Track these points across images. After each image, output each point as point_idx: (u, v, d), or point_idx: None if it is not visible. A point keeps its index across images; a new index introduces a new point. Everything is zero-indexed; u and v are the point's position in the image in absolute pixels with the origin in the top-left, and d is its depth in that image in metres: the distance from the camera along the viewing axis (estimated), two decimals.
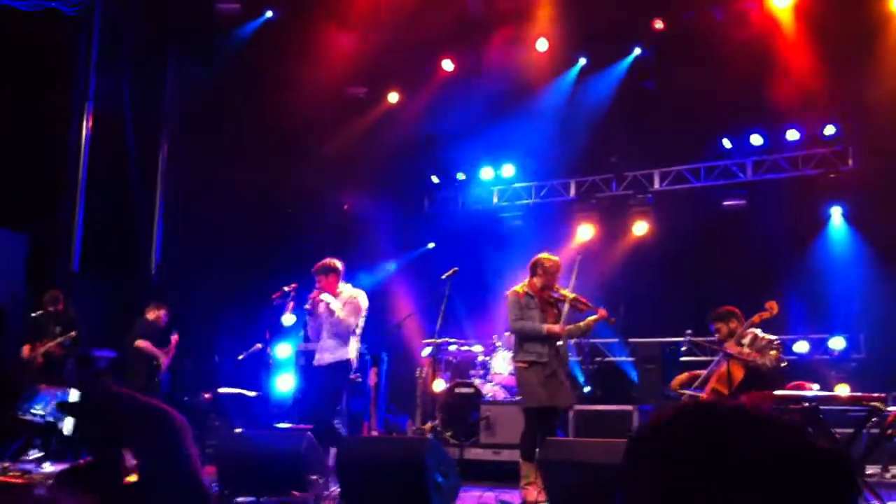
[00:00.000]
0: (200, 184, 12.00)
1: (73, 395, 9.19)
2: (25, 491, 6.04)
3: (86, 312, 10.61)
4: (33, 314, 9.51)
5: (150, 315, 9.60)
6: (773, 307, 7.37)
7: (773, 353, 7.31)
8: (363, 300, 7.93)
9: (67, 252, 11.40)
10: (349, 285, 8.05)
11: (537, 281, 7.52)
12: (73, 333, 9.28)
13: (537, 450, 7.06)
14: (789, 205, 11.73)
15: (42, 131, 11.10)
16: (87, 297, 10.78)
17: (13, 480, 7.35)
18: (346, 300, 7.85)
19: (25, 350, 9.38)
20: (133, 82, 11.82)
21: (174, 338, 9.61)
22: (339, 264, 8.00)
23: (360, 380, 8.71)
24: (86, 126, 11.68)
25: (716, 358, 7.66)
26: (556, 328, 7.30)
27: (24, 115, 10.76)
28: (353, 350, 7.82)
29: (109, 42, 11.77)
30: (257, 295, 9.23)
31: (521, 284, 7.61)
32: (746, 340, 7.43)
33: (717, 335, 7.65)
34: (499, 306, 8.26)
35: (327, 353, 7.87)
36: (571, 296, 7.44)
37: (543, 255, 7.72)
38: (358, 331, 7.88)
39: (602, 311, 7.48)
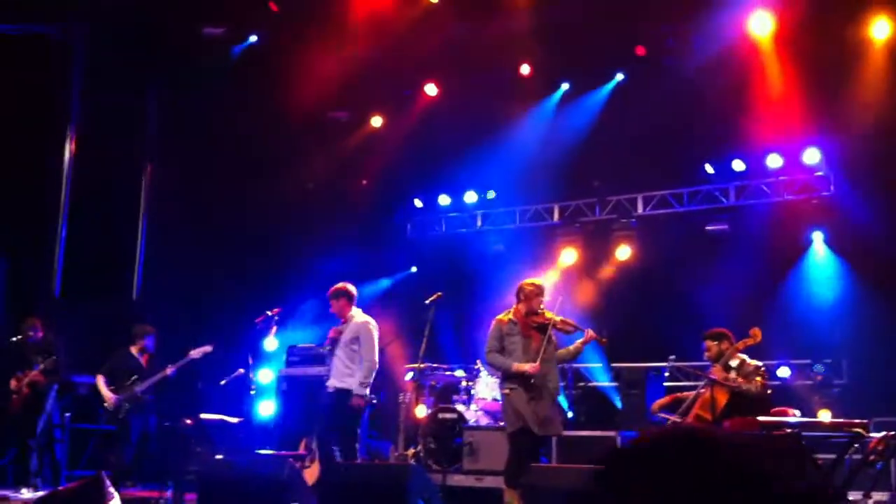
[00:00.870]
0: (183, 207, 11.96)
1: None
2: None
3: (68, 337, 10.52)
4: (13, 339, 9.41)
5: (133, 349, 9.49)
6: (756, 334, 7.39)
7: (758, 379, 7.33)
8: (375, 331, 8.02)
9: (49, 277, 11.31)
10: (359, 311, 8.14)
11: (521, 307, 7.54)
12: (52, 359, 9.19)
13: (512, 475, 7.09)
14: (772, 230, 11.79)
15: (24, 155, 11.04)
16: (69, 321, 10.69)
17: None
18: (357, 331, 7.94)
19: (13, 383, 9.27)
20: (116, 106, 11.78)
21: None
22: (351, 289, 8.14)
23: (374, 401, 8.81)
24: (68, 149, 11.63)
25: (700, 383, 7.67)
26: (526, 367, 7.25)
27: (4, 138, 10.71)
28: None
29: (92, 65, 11.73)
30: (240, 319, 9.19)
31: (506, 312, 7.63)
32: (734, 364, 7.44)
33: (706, 353, 7.65)
34: (482, 331, 8.25)
35: (334, 380, 7.92)
36: (557, 318, 7.45)
37: (526, 280, 7.75)
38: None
39: (590, 332, 7.49)
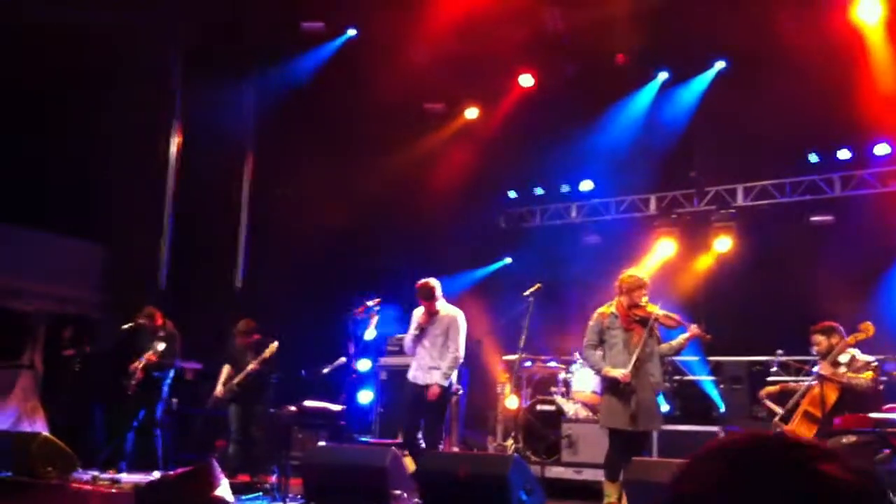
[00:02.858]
0: (283, 200, 12.20)
1: None
2: (116, 499, 6.18)
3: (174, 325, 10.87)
4: (126, 326, 9.71)
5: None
6: (868, 328, 7.17)
7: (868, 373, 7.12)
8: (464, 323, 8.09)
9: (155, 268, 11.67)
10: (445, 302, 8.22)
11: (623, 300, 7.44)
12: (164, 345, 9.45)
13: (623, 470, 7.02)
14: (878, 221, 11.42)
15: (131, 147, 11.41)
16: (173, 312, 11.03)
17: (103, 489, 7.53)
18: (448, 324, 8.04)
19: (131, 366, 9.52)
20: (218, 99, 12.07)
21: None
22: (435, 284, 8.20)
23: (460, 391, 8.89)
24: (174, 142, 11.97)
25: (807, 379, 7.49)
26: (617, 375, 7.14)
27: (114, 132, 11.06)
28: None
29: (195, 59, 12.05)
30: (340, 309, 9.33)
31: (607, 304, 7.54)
32: (844, 359, 7.24)
33: (815, 348, 7.46)
34: (579, 323, 8.20)
35: (421, 373, 8.02)
36: (661, 313, 7.31)
37: (627, 272, 7.65)
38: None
39: (694, 328, 7.34)
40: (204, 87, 11.96)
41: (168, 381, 9.57)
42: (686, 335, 7.35)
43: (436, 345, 8.09)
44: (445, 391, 7.99)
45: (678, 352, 7.66)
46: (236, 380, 9.14)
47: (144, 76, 11.65)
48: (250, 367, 9.07)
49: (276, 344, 9.14)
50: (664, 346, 7.44)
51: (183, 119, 12.11)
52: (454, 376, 8.12)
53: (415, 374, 8.14)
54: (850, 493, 1.05)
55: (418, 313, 8.26)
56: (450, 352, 8.03)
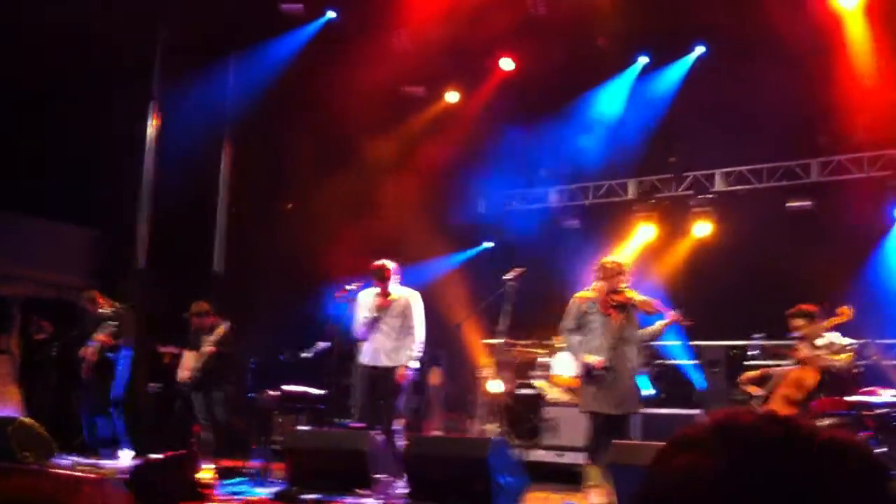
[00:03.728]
0: (263, 180, 12.13)
1: None
2: (98, 485, 6.15)
3: (151, 308, 10.80)
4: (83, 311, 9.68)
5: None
6: (845, 312, 7.23)
7: (845, 355, 7.18)
8: (421, 303, 8.07)
9: (133, 248, 11.59)
10: (398, 285, 8.18)
11: (602, 285, 7.47)
12: (111, 326, 9.42)
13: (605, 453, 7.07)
14: (856, 206, 11.51)
15: (109, 128, 11.28)
16: (152, 292, 10.95)
17: (85, 475, 7.47)
18: (405, 306, 7.97)
19: (82, 351, 9.47)
20: (197, 80, 11.97)
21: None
22: (391, 265, 8.13)
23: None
24: (152, 123, 11.86)
25: (785, 362, 7.55)
26: (592, 361, 7.19)
27: (91, 113, 10.93)
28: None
29: (174, 40, 11.93)
30: (321, 293, 9.30)
31: (586, 289, 7.56)
32: (822, 342, 7.30)
33: (794, 332, 7.52)
34: (558, 307, 8.20)
35: (383, 356, 7.98)
36: (640, 298, 7.35)
37: (606, 258, 7.67)
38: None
39: (672, 314, 7.39)
40: (182, 69, 11.85)
41: (124, 362, 9.51)
42: (664, 321, 7.41)
43: (395, 327, 8.03)
44: (410, 372, 7.96)
45: (655, 337, 7.72)
46: (197, 364, 9.15)
47: (122, 58, 11.51)
48: (206, 349, 9.09)
49: (224, 325, 9.16)
50: (642, 331, 7.48)
51: (161, 101, 11.97)
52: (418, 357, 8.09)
53: (375, 357, 8.05)
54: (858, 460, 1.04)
55: (368, 296, 8.17)
56: (412, 333, 8.00)
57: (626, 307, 7.30)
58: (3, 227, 11.35)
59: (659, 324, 7.45)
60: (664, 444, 1.18)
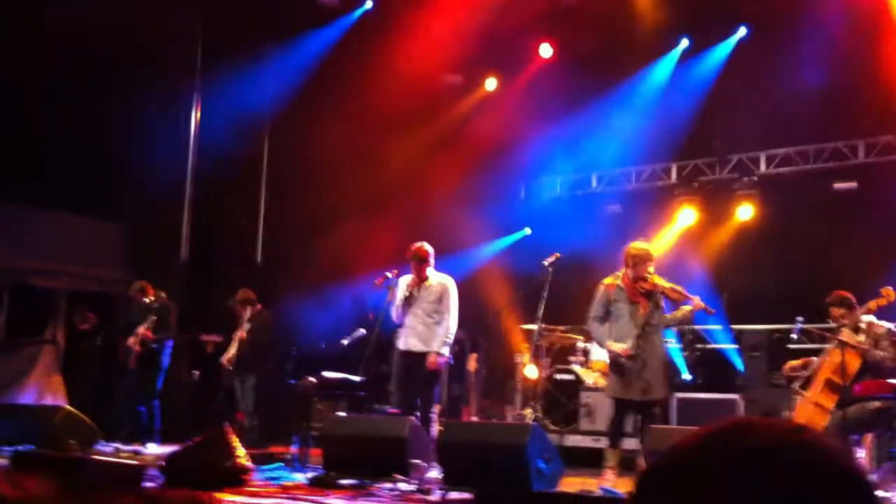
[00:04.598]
0: (302, 172, 12.22)
1: None
2: (138, 472, 6.26)
3: (194, 299, 10.96)
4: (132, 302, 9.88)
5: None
6: (889, 293, 7.09)
7: (890, 351, 7.01)
8: (455, 290, 8.06)
9: (177, 241, 11.76)
10: (434, 270, 8.19)
11: (629, 272, 7.42)
12: (153, 318, 9.58)
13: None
14: None
15: (151, 124, 11.46)
16: (195, 284, 11.12)
17: (125, 462, 7.63)
18: (440, 292, 7.98)
19: (129, 340, 9.65)
20: (237, 73, 12.09)
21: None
22: (430, 250, 8.13)
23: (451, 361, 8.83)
24: (193, 118, 12.01)
25: (828, 346, 7.42)
26: (618, 349, 7.18)
27: (135, 107, 11.11)
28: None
29: (214, 36, 12.06)
30: (360, 281, 9.36)
31: (613, 276, 7.53)
32: (863, 326, 7.16)
33: (832, 321, 7.40)
34: None
35: (417, 341, 7.99)
36: (666, 286, 7.29)
37: (633, 244, 7.61)
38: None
39: (697, 301, 7.31)
40: (223, 63, 11.98)
41: (167, 352, 9.68)
42: (689, 307, 7.34)
43: (429, 312, 8.04)
44: (443, 358, 7.96)
45: (682, 323, 7.68)
46: (233, 351, 9.32)
47: (164, 53, 11.67)
48: (240, 334, 9.23)
49: (257, 315, 9.25)
50: (667, 316, 7.42)
51: (202, 94, 12.12)
52: (450, 343, 8.09)
53: (408, 342, 8.07)
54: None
55: (406, 281, 8.19)
56: (445, 320, 7.99)
57: (653, 294, 7.26)
58: (47, 224, 11.61)
59: (685, 309, 7.38)
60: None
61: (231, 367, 9.49)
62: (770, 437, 1.02)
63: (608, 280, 7.50)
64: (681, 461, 1.05)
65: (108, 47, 10.76)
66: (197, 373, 10.03)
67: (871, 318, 7.20)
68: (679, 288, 7.33)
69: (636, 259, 7.33)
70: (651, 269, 7.32)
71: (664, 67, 13.01)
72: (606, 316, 7.39)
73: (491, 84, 13.71)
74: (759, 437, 1.02)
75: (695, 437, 1.07)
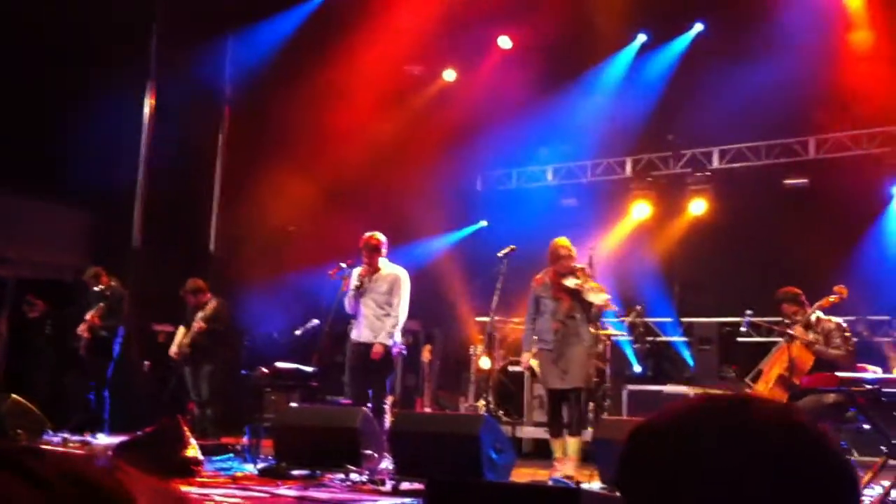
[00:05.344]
0: (258, 161, 12.12)
1: None
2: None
3: (146, 286, 10.82)
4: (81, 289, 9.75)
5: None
6: (842, 291, 7.18)
7: (849, 347, 7.11)
8: (408, 282, 8.05)
9: (128, 227, 11.61)
10: (387, 261, 8.17)
11: (552, 268, 7.52)
12: (101, 306, 9.47)
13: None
14: (852, 184, 11.45)
15: (104, 107, 11.27)
16: (147, 271, 10.98)
17: (74, 451, 7.54)
18: (392, 282, 7.97)
19: (80, 328, 9.52)
20: (192, 58, 11.95)
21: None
22: (383, 239, 8.11)
23: (405, 352, 8.81)
24: (147, 104, 11.85)
25: (779, 341, 7.52)
26: (522, 361, 7.68)
27: (84, 91, 10.92)
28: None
29: (170, 20, 11.90)
30: (316, 270, 9.31)
31: (544, 271, 7.62)
32: (813, 321, 7.26)
33: (785, 317, 7.47)
34: None
35: (368, 331, 7.97)
36: (587, 286, 7.32)
37: (556, 240, 7.68)
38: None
39: (610, 305, 7.46)
40: (179, 48, 11.83)
41: (118, 341, 9.56)
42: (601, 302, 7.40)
43: (380, 303, 8.01)
44: (389, 350, 7.95)
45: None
46: (186, 340, 9.24)
47: (117, 35, 11.49)
48: (196, 325, 9.16)
49: (216, 301, 9.21)
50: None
51: (157, 79, 11.96)
52: (398, 336, 8.07)
53: (360, 333, 8.04)
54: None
55: (359, 271, 8.16)
56: (393, 311, 7.98)
57: (577, 292, 7.31)
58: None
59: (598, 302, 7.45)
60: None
61: (179, 358, 9.39)
62: (763, 415, 1.03)
63: (538, 275, 7.58)
64: (677, 429, 1.06)
65: (63, 31, 10.58)
66: (147, 363, 9.92)
67: (819, 313, 7.31)
68: (602, 300, 7.35)
69: (555, 255, 7.41)
70: (574, 266, 7.38)
71: (621, 62, 13.10)
72: (537, 312, 7.48)
73: (450, 75, 13.71)
74: (752, 415, 1.03)
75: (691, 409, 1.08)
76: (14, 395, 8.54)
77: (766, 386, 7.24)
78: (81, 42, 10.88)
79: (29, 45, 10.59)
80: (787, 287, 7.55)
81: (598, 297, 7.31)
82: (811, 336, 7.19)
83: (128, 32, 11.71)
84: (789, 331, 7.30)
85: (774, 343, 7.90)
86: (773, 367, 7.30)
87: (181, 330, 9.48)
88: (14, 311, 11.08)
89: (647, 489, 1.04)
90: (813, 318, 7.28)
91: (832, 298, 7.25)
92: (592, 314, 7.50)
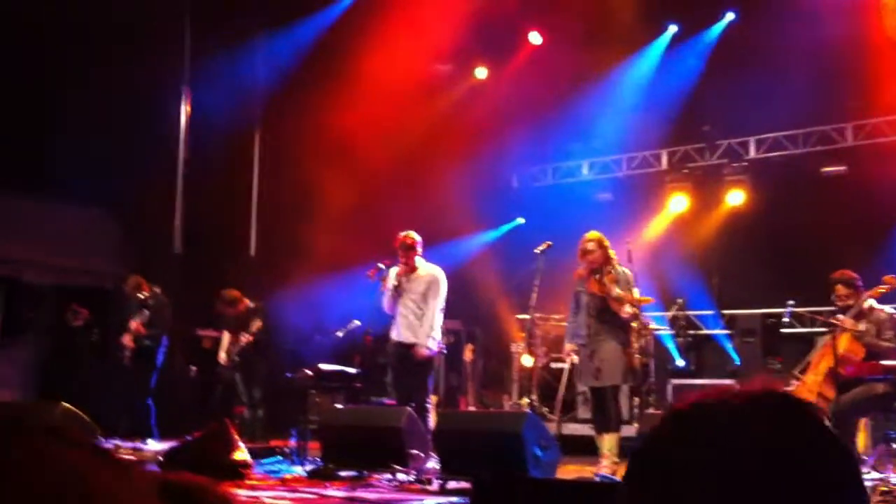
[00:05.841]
0: (294, 163, 12.22)
1: None
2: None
3: (188, 293, 10.95)
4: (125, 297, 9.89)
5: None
6: (892, 281, 7.04)
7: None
8: (445, 281, 8.08)
9: (169, 233, 11.74)
10: (424, 260, 8.20)
11: (586, 262, 7.50)
12: (146, 314, 9.58)
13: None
14: (892, 170, 11.30)
15: (143, 115, 11.42)
16: (189, 277, 11.10)
17: (125, 458, 7.65)
18: (429, 283, 8.00)
19: (123, 338, 9.65)
20: (227, 66, 12.06)
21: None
22: (418, 238, 8.13)
23: (445, 351, 8.83)
24: (183, 109, 11.98)
25: (824, 331, 7.42)
26: (566, 349, 7.60)
27: (123, 100, 11.06)
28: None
29: (204, 27, 12.03)
30: (355, 272, 9.38)
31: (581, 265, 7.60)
32: (865, 309, 7.13)
33: (836, 299, 7.33)
34: None
35: (407, 331, 8.01)
36: (614, 294, 7.27)
37: (587, 234, 7.64)
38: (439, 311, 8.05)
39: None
40: (213, 53, 11.95)
41: (161, 349, 9.66)
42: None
43: (418, 303, 8.02)
44: (431, 350, 7.99)
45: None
46: (235, 350, 9.34)
47: (154, 43, 11.63)
48: (243, 340, 9.27)
49: (258, 320, 9.32)
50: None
51: (192, 86, 12.10)
52: (438, 334, 8.09)
53: (399, 334, 8.07)
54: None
55: (396, 271, 8.18)
56: (430, 310, 7.99)
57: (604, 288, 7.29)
58: (36, 214, 11.54)
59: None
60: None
61: (229, 365, 9.51)
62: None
63: (578, 269, 7.57)
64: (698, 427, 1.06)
65: (100, 37, 10.73)
66: (194, 369, 10.04)
67: (873, 302, 7.18)
68: (625, 307, 7.28)
69: (582, 251, 7.41)
70: (605, 260, 7.32)
71: (653, 54, 13.04)
72: (577, 306, 7.49)
73: (481, 73, 13.72)
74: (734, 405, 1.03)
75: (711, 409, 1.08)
76: (64, 403, 8.67)
77: (815, 378, 7.15)
78: (120, 49, 11.03)
79: (69, 52, 10.75)
80: (843, 270, 7.41)
81: (622, 308, 7.25)
82: (862, 326, 7.06)
83: (164, 37, 11.84)
84: (834, 320, 7.21)
85: (819, 333, 7.83)
86: (823, 360, 7.20)
87: (226, 336, 9.59)
88: (57, 319, 11.26)
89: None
90: (866, 305, 7.14)
91: (882, 289, 7.10)
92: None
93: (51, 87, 10.66)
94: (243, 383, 9.54)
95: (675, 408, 1.05)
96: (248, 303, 9.66)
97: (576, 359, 9.19)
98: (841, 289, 7.28)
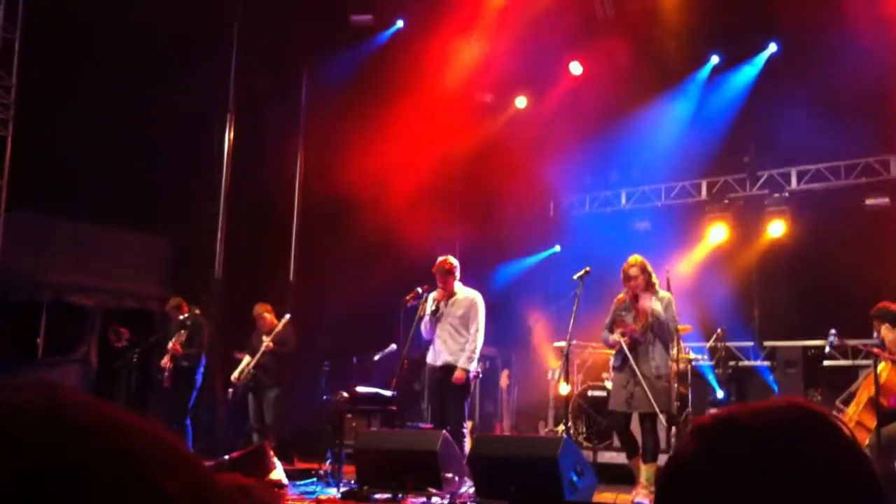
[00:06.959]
0: (334, 191, 12.32)
1: None
2: None
3: (229, 316, 11.06)
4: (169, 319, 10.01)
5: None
6: None
7: None
8: (483, 305, 8.09)
9: (210, 258, 11.88)
10: (461, 284, 8.22)
11: (627, 290, 7.49)
12: (183, 334, 9.66)
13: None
14: None
15: (186, 140, 11.60)
16: (229, 301, 11.21)
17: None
18: (468, 307, 8.01)
19: (163, 360, 9.77)
20: (270, 91, 12.24)
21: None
22: (456, 263, 8.17)
23: (480, 375, 8.82)
24: (228, 135, 12.15)
25: (868, 363, 7.32)
26: (617, 336, 7.29)
27: (168, 123, 11.25)
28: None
29: (248, 54, 12.22)
30: (393, 296, 9.42)
31: (624, 290, 7.59)
32: None
33: (876, 335, 7.27)
34: None
35: (446, 355, 8.02)
36: (651, 317, 7.26)
37: (630, 258, 7.63)
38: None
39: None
40: (257, 81, 12.14)
41: (200, 370, 9.74)
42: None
43: (456, 327, 8.04)
44: (469, 373, 7.99)
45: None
46: (252, 362, 9.40)
47: (198, 70, 11.84)
48: (265, 344, 9.33)
49: (285, 322, 9.36)
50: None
51: (237, 112, 12.28)
52: (477, 357, 8.10)
53: (436, 357, 8.08)
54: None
55: (434, 296, 8.21)
56: (471, 335, 8.00)
57: (655, 316, 7.24)
58: (82, 238, 11.74)
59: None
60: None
61: (239, 384, 9.60)
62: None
63: (620, 295, 7.56)
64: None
65: (148, 63, 10.95)
66: (231, 390, 10.10)
67: None
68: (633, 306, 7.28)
69: (625, 275, 7.39)
70: (646, 285, 7.30)
71: (695, 84, 13.03)
72: (612, 325, 7.48)
73: (521, 102, 13.79)
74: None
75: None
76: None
77: (856, 409, 7.05)
78: (163, 71, 11.24)
79: (118, 78, 10.97)
80: (885, 302, 7.33)
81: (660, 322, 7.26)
82: None
83: (208, 64, 12.04)
84: (876, 350, 7.10)
85: (861, 367, 7.71)
86: (864, 390, 7.10)
87: (246, 358, 9.68)
88: (100, 340, 11.41)
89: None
90: None
91: None
92: (669, 335, 7.44)
93: (102, 113, 10.86)
94: (254, 405, 9.60)
95: (698, 422, 1.07)
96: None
97: (608, 386, 9.17)
98: (882, 325, 7.19)
